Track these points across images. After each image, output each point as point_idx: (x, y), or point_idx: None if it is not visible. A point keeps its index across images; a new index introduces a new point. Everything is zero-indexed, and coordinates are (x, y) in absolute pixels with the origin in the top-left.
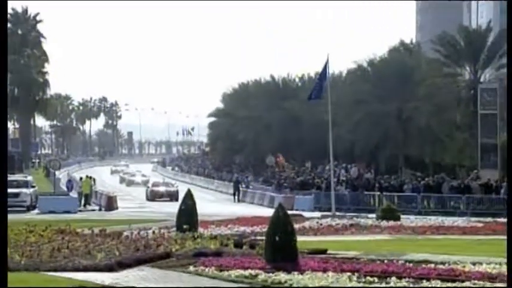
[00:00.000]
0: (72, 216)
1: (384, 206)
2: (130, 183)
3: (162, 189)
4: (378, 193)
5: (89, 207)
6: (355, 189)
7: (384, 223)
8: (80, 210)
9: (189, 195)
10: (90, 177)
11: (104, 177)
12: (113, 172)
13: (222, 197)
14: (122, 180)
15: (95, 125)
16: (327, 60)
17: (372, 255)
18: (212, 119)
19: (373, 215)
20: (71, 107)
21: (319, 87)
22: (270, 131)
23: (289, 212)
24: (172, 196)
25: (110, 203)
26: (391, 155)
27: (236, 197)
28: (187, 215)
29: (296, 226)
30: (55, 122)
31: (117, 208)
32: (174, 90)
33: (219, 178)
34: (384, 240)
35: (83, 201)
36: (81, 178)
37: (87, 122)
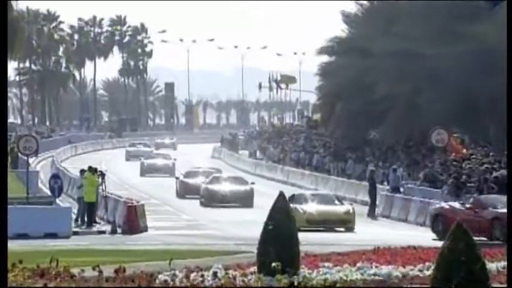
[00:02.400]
0: (63, 243)
1: None
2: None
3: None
4: None
5: (93, 228)
6: None
7: None
8: (77, 232)
9: (281, 206)
10: (96, 170)
11: (122, 170)
12: (145, 171)
13: None
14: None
15: (102, 71)
16: None
17: None
18: (326, 58)
19: None
20: (57, 36)
21: None
22: (440, 82)
23: (478, 240)
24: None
25: (132, 220)
26: None
27: (373, 208)
28: (280, 244)
29: (492, 266)
30: (28, 65)
31: (145, 229)
32: (249, 6)
33: (340, 172)
34: None
35: (83, 216)
36: (82, 171)
37: (88, 64)
